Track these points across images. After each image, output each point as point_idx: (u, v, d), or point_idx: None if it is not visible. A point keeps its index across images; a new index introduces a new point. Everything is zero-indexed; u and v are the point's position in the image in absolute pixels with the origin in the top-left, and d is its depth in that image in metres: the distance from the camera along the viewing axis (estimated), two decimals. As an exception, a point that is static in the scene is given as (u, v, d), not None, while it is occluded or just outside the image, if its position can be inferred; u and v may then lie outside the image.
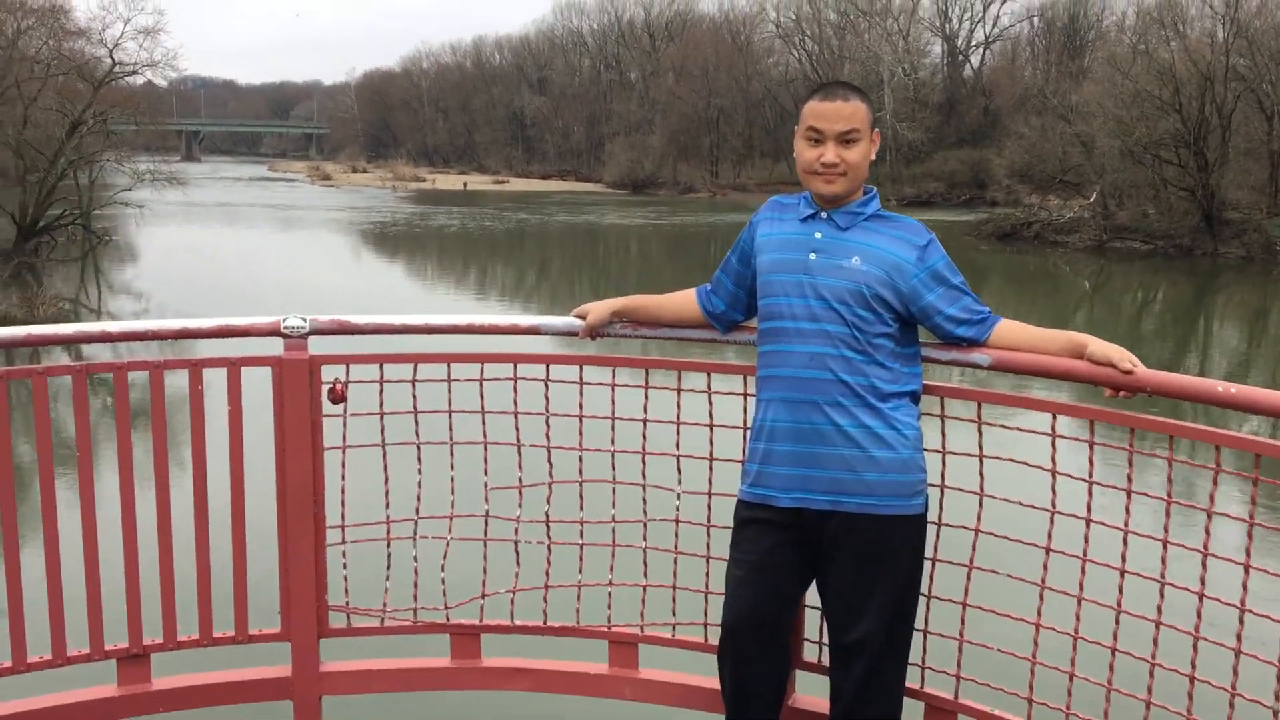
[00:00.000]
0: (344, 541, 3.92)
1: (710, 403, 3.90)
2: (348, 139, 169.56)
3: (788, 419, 3.42)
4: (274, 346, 3.83)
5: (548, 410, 3.90)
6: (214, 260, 55.01)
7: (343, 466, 3.87)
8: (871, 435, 3.36)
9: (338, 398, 3.79)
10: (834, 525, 3.41)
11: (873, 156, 3.51)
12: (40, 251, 50.15)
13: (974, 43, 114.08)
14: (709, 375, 3.91)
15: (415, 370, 3.85)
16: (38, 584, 3.72)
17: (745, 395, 3.81)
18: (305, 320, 3.75)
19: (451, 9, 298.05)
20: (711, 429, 3.91)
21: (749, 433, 3.63)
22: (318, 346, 3.82)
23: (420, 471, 3.94)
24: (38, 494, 3.85)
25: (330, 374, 3.80)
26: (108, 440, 4.03)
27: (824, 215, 3.53)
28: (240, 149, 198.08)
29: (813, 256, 3.45)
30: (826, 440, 3.37)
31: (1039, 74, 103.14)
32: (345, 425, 3.85)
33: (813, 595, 3.61)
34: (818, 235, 3.49)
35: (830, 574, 3.48)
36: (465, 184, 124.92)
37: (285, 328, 3.75)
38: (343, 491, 3.93)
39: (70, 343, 3.94)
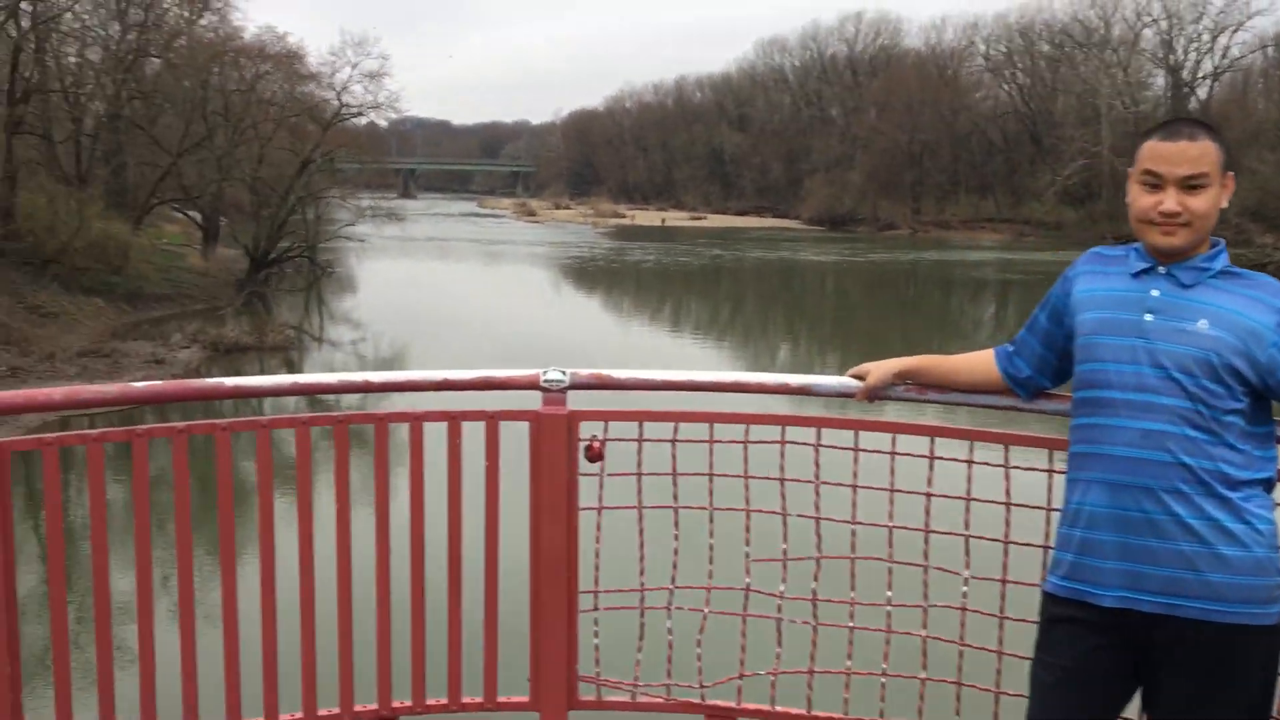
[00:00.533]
0: (596, 608, 3.69)
1: (1007, 479, 3.47)
2: (553, 176, 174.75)
3: (1111, 505, 2.94)
4: (528, 400, 3.66)
5: (818, 478, 3.56)
6: (425, 291, 57.40)
7: (598, 529, 3.65)
8: (1218, 529, 2.85)
9: (595, 455, 3.58)
10: (1168, 632, 2.90)
11: (1224, 203, 3.01)
12: (270, 281, 53.52)
13: (1200, 74, 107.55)
14: (1006, 448, 3.47)
15: (676, 429, 3.60)
16: (291, 637, 3.64)
17: (1050, 472, 3.38)
18: (565, 374, 3.62)
19: (655, 49, 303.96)
20: (1008, 508, 3.47)
21: (1058, 516, 3.16)
22: (574, 402, 3.64)
23: (677, 538, 3.68)
24: (294, 545, 3.78)
25: (587, 431, 3.61)
26: (363, 491, 3.91)
27: (1162, 270, 3.04)
28: (452, 186, 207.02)
29: (1149, 318, 2.97)
30: (1162, 533, 2.88)
31: (1274, 107, 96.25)
32: (602, 486, 3.63)
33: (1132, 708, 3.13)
34: (1155, 293, 3.00)
35: (1161, 689, 2.97)
36: (663, 220, 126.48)
37: (545, 381, 3.63)
38: (597, 555, 3.70)
39: (333, 392, 3.77)
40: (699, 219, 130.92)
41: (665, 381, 3.68)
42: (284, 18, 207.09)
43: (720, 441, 3.63)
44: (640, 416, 3.60)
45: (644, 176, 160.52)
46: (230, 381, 3.76)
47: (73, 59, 50.84)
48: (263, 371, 34.95)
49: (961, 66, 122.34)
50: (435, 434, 3.76)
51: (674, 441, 3.63)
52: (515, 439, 3.77)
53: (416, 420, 3.69)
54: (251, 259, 52.48)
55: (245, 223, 60.12)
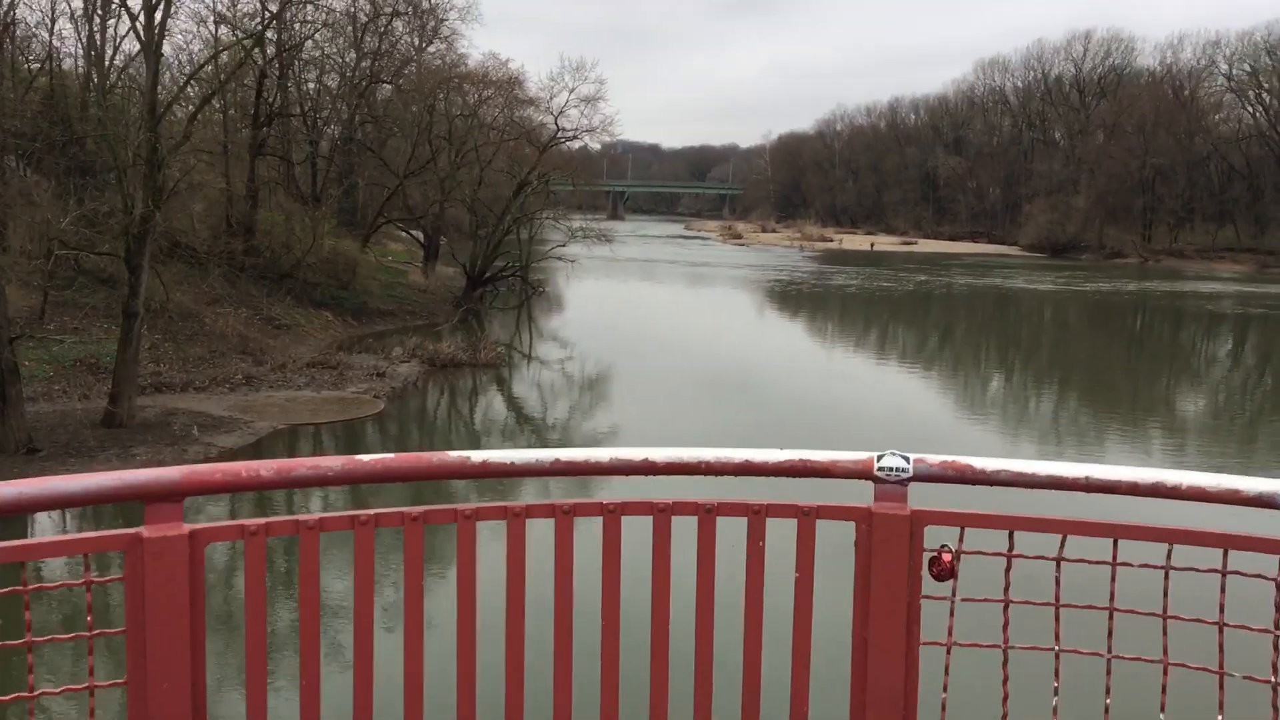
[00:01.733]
0: None
1: None
2: (759, 199, 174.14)
3: None
4: (853, 491, 2.84)
5: (1277, 629, 2.57)
6: (632, 312, 57.72)
7: (946, 672, 2.78)
8: None
9: (945, 573, 2.73)
10: None
11: None
12: (485, 299, 54.94)
13: None
14: None
15: (1063, 544, 2.77)
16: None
17: None
18: (908, 461, 2.84)
19: (868, 73, 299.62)
20: None
21: None
22: (916, 497, 2.81)
23: (1057, 690, 2.76)
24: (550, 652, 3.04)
25: (933, 539, 2.78)
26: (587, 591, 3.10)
27: None
28: (660, 208, 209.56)
29: None
30: None
31: None
32: (952, 613, 2.78)
33: None
34: None
35: None
36: (872, 244, 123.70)
37: (880, 469, 2.84)
38: (943, 707, 2.81)
39: (604, 473, 3.01)
40: (909, 244, 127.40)
41: (1050, 477, 2.82)
42: (507, 44, 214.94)
43: (1128, 565, 2.72)
44: (1011, 523, 2.79)
45: (853, 200, 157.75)
46: (478, 456, 2.97)
47: (312, 85, 53.71)
48: (475, 388, 35.63)
49: (1200, 87, 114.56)
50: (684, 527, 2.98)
51: (1059, 560, 2.78)
52: (828, 540, 2.98)
53: (663, 513, 2.96)
54: (469, 277, 53.98)
55: (463, 242, 62.14)
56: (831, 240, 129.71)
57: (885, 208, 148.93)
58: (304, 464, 2.88)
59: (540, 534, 3.01)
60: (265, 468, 2.85)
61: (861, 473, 2.86)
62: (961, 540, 2.77)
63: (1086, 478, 2.76)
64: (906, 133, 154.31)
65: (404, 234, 65.60)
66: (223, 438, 25.02)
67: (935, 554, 2.76)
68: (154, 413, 26.24)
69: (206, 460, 23.83)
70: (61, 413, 25.20)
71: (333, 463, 2.85)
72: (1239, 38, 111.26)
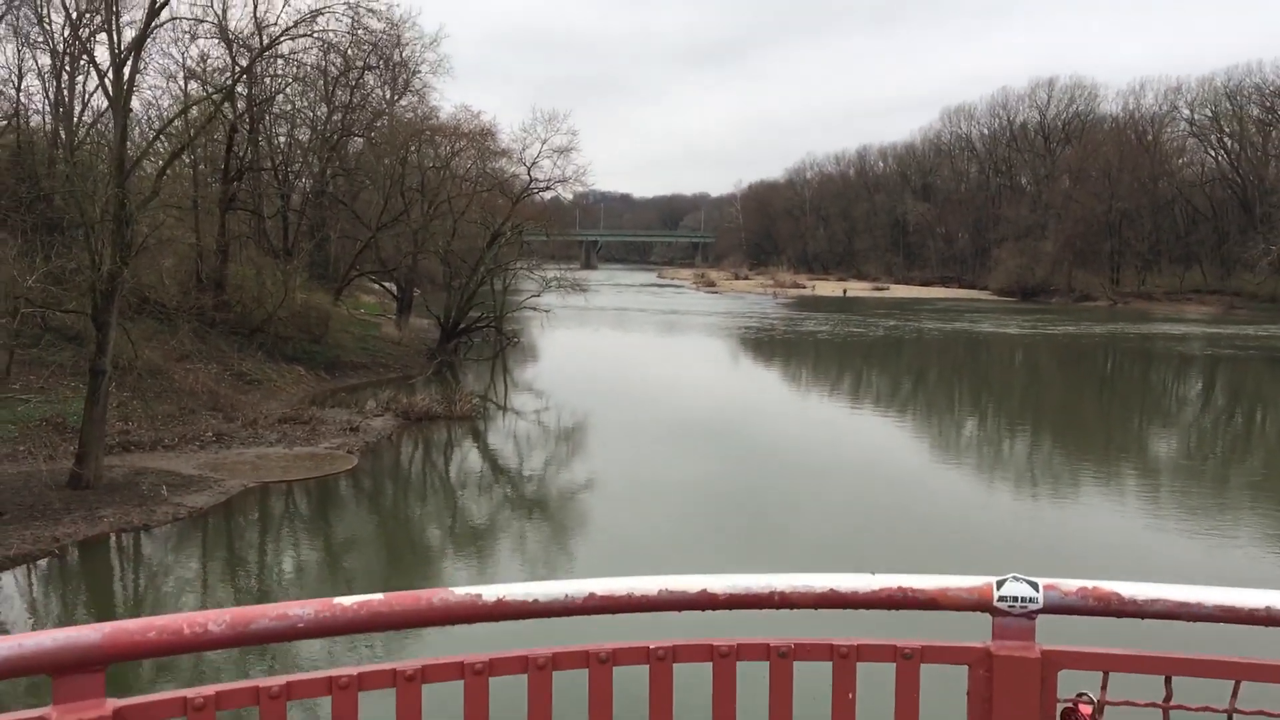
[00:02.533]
0: None
1: None
2: (732, 247, 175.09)
3: None
4: (967, 627, 2.41)
5: None
6: (607, 361, 57.58)
7: None
8: None
9: None
10: None
11: None
12: (459, 350, 54.65)
13: None
14: None
15: (1237, 690, 2.34)
16: None
17: None
18: (1036, 588, 2.28)
19: (835, 122, 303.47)
20: None
21: None
22: (1047, 631, 2.34)
23: None
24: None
25: (1068, 686, 2.33)
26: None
27: None
28: (632, 257, 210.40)
29: None
30: None
31: None
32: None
33: None
34: None
35: None
36: (845, 290, 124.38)
37: (1001, 598, 2.28)
38: None
39: (580, 614, 2.38)
40: (881, 289, 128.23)
41: (1221, 608, 2.27)
42: (479, 97, 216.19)
43: None
44: (1168, 666, 2.32)
45: (824, 246, 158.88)
46: (490, 593, 2.31)
47: (283, 139, 53.67)
48: (450, 441, 35.26)
49: (1163, 132, 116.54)
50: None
51: (1232, 713, 2.32)
52: (936, 689, 2.51)
53: (784, 657, 2.39)
54: (442, 329, 53.71)
55: (437, 293, 61.92)
56: (804, 286, 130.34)
57: (856, 254, 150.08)
58: (267, 613, 2.15)
59: (571, 688, 2.46)
60: (215, 620, 2.17)
61: (977, 603, 2.30)
62: (1105, 687, 2.32)
63: (1268, 608, 2.26)
64: (875, 180, 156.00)
65: (377, 286, 65.31)
66: (192, 497, 24.55)
67: (1071, 705, 2.32)
68: (122, 472, 25.74)
69: (174, 521, 23.40)
70: (26, 474, 24.67)
71: (303, 610, 2.14)
72: (1199, 83, 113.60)
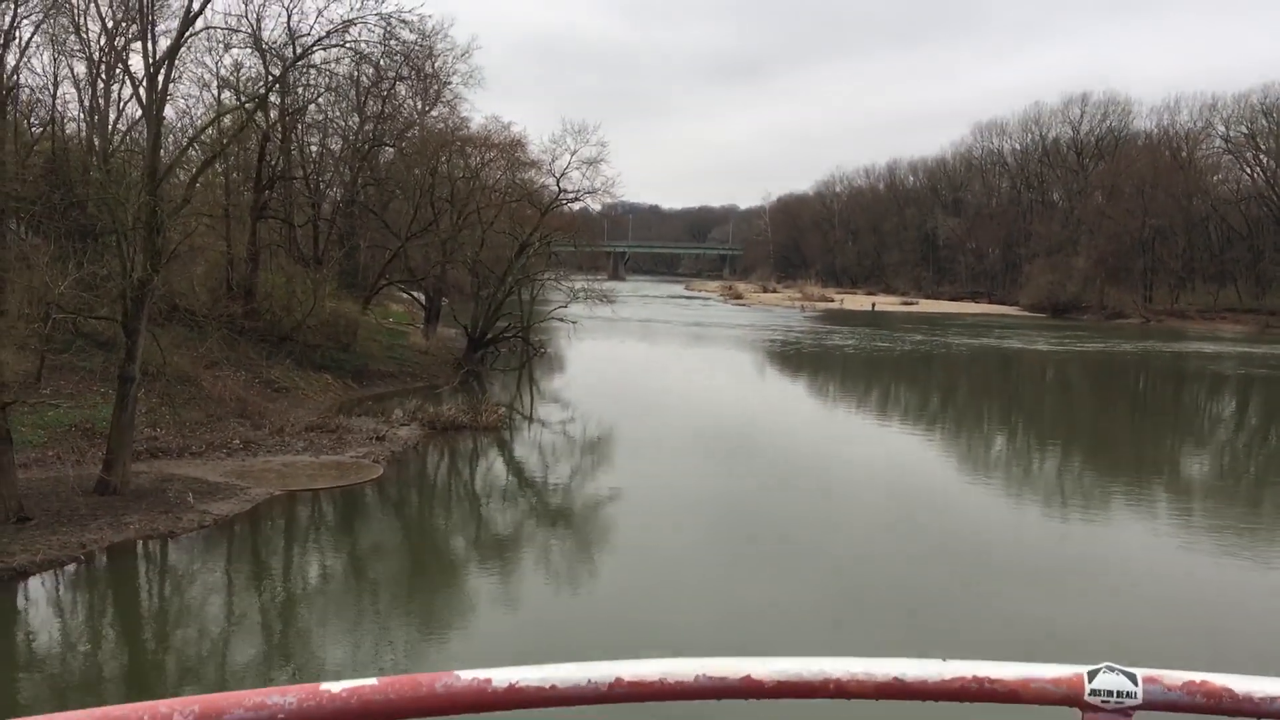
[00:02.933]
0: None
1: None
2: (759, 259, 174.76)
3: None
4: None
5: None
6: (633, 373, 57.42)
7: None
8: None
9: None
10: None
11: None
12: (486, 361, 54.68)
13: None
14: None
15: None
16: None
17: None
18: (1134, 681, 1.87)
19: (865, 135, 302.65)
20: None
21: None
22: None
23: None
24: None
25: None
26: None
27: None
28: (660, 269, 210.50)
29: None
30: None
31: None
32: None
33: None
34: None
35: None
36: (873, 304, 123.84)
37: (1094, 692, 1.88)
38: None
39: (605, 702, 1.72)
40: (910, 304, 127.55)
41: None
42: (509, 108, 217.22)
43: None
44: None
45: (853, 260, 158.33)
46: (501, 678, 1.83)
47: (314, 148, 53.97)
48: (476, 451, 35.20)
49: (1197, 148, 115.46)
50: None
51: None
52: None
53: None
54: (470, 338, 53.76)
55: (465, 303, 62.02)
56: (832, 300, 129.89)
57: (885, 268, 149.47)
58: (243, 702, 1.73)
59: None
60: (182, 711, 1.61)
61: (1065, 697, 1.92)
62: None
63: None
64: (905, 194, 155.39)
65: (405, 295, 65.57)
66: (218, 505, 24.59)
67: None
68: (149, 479, 25.84)
69: (200, 528, 23.42)
70: (54, 479, 24.80)
71: (284, 699, 1.74)
72: (1235, 100, 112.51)
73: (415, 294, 62.34)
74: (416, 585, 21.85)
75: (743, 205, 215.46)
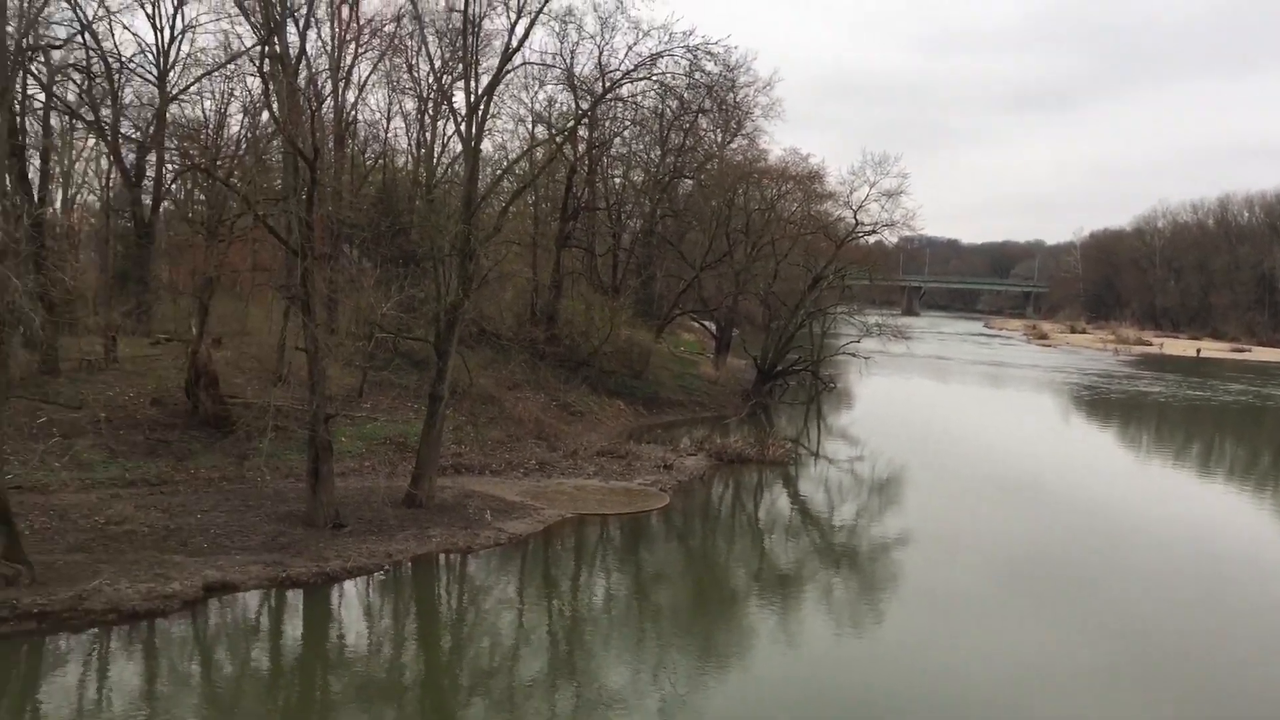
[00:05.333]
0: None
1: None
2: (1067, 298, 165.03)
3: None
4: None
5: None
6: (928, 413, 55.06)
7: None
8: None
9: None
10: None
11: None
12: (774, 393, 54.25)
13: None
14: None
15: None
16: None
17: None
18: None
19: (1192, 168, 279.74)
20: None
21: None
22: None
23: None
24: None
25: None
26: None
27: None
28: (957, 305, 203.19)
29: None
30: None
31: None
32: None
33: None
34: None
35: None
36: (1198, 350, 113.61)
37: None
38: None
39: None
40: (1241, 350, 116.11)
41: None
42: (806, 140, 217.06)
43: None
44: None
45: (1175, 301, 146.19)
46: None
47: (617, 180, 55.65)
48: (761, 484, 34.67)
49: None
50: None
51: None
52: None
53: None
54: (759, 370, 53.55)
55: (755, 334, 62.00)
56: (1150, 344, 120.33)
57: (1212, 310, 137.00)
58: None
59: None
60: None
61: None
62: None
63: None
64: (1239, 231, 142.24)
65: (697, 325, 66.28)
66: (513, 524, 25.36)
67: None
68: (452, 494, 27.05)
69: (496, 545, 24.20)
70: (368, 489, 26.43)
71: None
72: None
73: (707, 324, 62.87)
74: (697, 615, 21.59)
75: (1049, 240, 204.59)
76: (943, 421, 52.06)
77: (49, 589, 17.76)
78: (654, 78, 29.83)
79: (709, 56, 28.60)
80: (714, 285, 56.79)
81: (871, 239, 59.94)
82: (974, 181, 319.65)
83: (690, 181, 56.99)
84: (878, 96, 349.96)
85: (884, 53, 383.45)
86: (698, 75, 30.66)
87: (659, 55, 28.27)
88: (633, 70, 29.47)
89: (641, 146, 54.36)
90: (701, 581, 24.52)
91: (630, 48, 42.27)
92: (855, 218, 55.05)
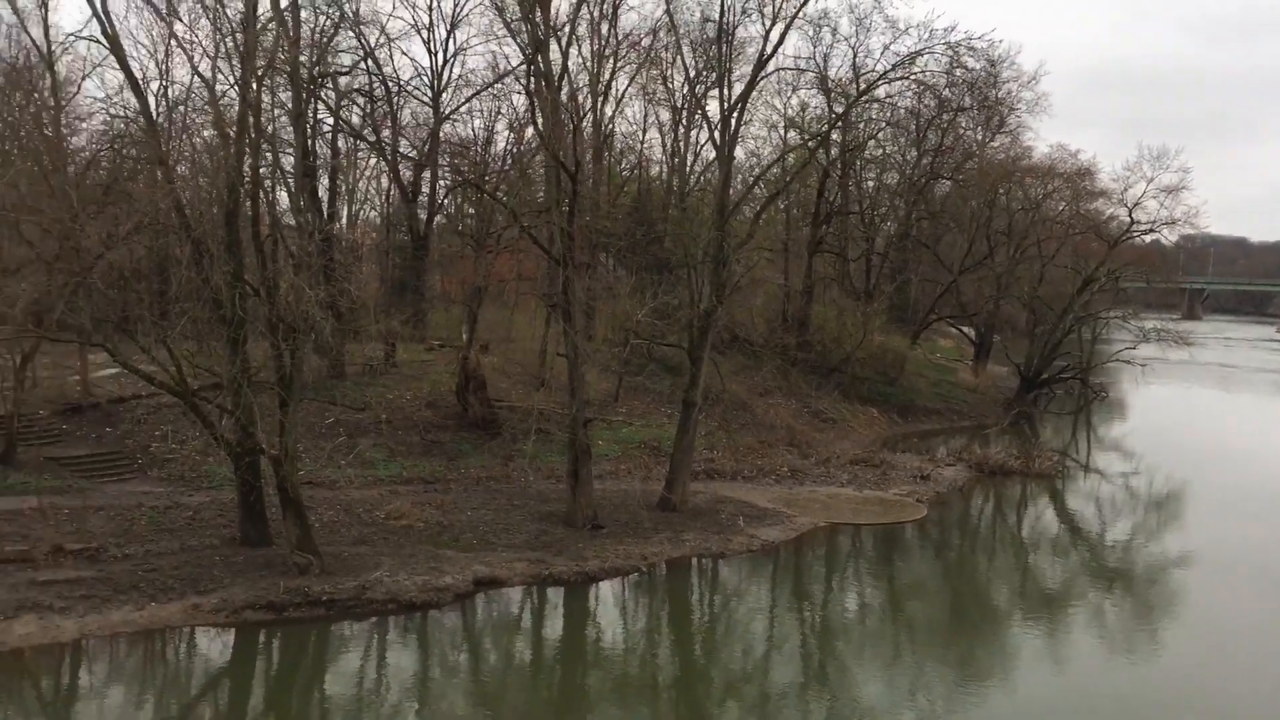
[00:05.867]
0: None
1: None
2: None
3: None
4: None
5: None
6: (1214, 427, 50.86)
7: None
8: None
9: None
10: None
11: None
12: (1038, 402, 51.65)
13: None
14: None
15: None
16: None
17: None
18: None
19: None
20: None
21: None
22: None
23: None
24: None
25: None
26: None
27: None
28: (1244, 308, 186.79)
29: None
30: None
31: None
32: None
33: None
34: None
35: None
36: None
37: None
38: None
39: None
40: None
41: None
42: (1074, 136, 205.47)
43: None
44: None
45: None
46: None
47: (871, 183, 54.58)
48: (1025, 498, 33.04)
49: None
50: None
51: None
52: None
53: None
54: (1022, 378, 51.15)
55: (1017, 340, 59.18)
56: None
57: None
58: None
59: None
60: None
61: None
62: None
63: None
64: None
65: (954, 331, 64.03)
66: (765, 530, 25.33)
67: None
68: (704, 499, 27.32)
69: (748, 551, 24.23)
70: (623, 492, 27.08)
71: None
72: None
73: (965, 329, 60.63)
74: (956, 632, 20.83)
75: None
76: (1228, 435, 48.01)
77: (335, 579, 19.20)
78: (912, 77, 29.04)
79: (971, 53, 27.55)
80: (973, 289, 54.70)
81: (1148, 238, 56.02)
82: (1263, 176, 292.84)
83: (948, 182, 55.09)
84: (1149, 89, 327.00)
85: (1153, 42, 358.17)
86: (958, 72, 29.62)
87: (918, 54, 27.50)
88: (889, 70, 28.80)
89: (896, 148, 53.05)
90: (960, 597, 23.65)
91: (886, 47, 41.61)
92: (1130, 216, 51.58)
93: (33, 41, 28.80)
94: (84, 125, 34.94)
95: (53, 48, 28.44)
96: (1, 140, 31.85)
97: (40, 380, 27.66)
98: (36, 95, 29.53)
